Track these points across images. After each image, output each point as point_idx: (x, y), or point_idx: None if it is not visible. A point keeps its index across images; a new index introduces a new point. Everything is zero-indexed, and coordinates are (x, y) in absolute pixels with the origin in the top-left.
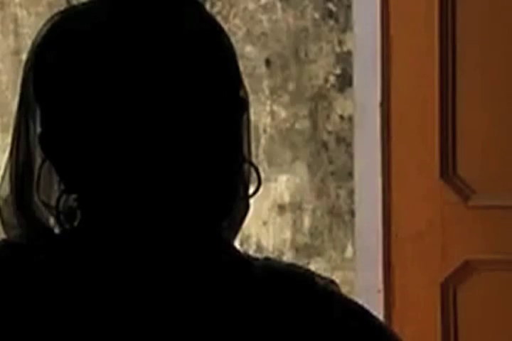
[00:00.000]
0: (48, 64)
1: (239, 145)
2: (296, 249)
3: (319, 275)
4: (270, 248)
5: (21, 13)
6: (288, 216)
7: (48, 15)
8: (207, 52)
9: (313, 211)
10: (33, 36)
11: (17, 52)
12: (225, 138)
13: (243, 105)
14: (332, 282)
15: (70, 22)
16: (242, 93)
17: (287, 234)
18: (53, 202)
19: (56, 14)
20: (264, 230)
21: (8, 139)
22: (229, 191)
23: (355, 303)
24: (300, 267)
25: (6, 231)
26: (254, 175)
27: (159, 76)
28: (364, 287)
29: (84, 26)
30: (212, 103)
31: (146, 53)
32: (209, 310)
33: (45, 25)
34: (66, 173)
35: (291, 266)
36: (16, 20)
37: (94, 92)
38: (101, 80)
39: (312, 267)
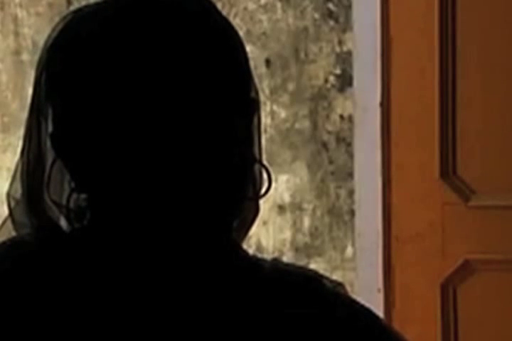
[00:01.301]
0: (60, 64)
1: (249, 146)
2: (296, 249)
3: (327, 278)
4: (270, 248)
5: (21, 13)
6: (288, 216)
7: (48, 16)
8: (218, 53)
9: (313, 211)
10: (33, 36)
11: (17, 52)
12: (235, 139)
13: (254, 106)
14: (340, 284)
15: (81, 22)
16: (253, 94)
17: (287, 234)
18: (64, 201)
19: (68, 14)
20: (264, 230)
21: (8, 139)
22: (239, 191)
23: (363, 306)
24: (308, 269)
25: (16, 229)
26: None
27: (170, 77)
28: (364, 287)
29: (95, 27)
30: (223, 104)
31: (156, 54)
32: (217, 311)
33: (57, 25)
34: (77, 173)
35: (299, 268)
36: (16, 20)
37: (106, 93)
38: (112, 81)
39: (312, 267)
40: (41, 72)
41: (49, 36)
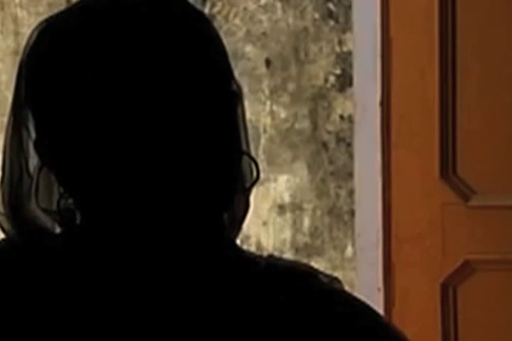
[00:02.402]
0: (38, 69)
1: (235, 138)
2: (296, 249)
3: (323, 273)
4: (270, 248)
5: (21, 13)
6: (288, 216)
7: (48, 16)
8: (196, 47)
9: (313, 211)
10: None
11: (17, 52)
12: (220, 131)
13: (235, 98)
14: (336, 279)
15: (59, 26)
16: (234, 86)
17: (287, 234)
18: (53, 207)
19: (42, 22)
20: (264, 230)
21: None
22: (228, 182)
23: (359, 301)
24: (303, 264)
25: (5, 233)
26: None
27: (150, 74)
28: (364, 286)
29: (72, 31)
30: (203, 97)
31: (135, 53)
32: (211, 307)
33: (33, 32)
34: (64, 177)
35: (294, 263)
36: (16, 20)
37: (86, 95)
38: (92, 82)
39: None
40: (20, 78)
41: (26, 44)
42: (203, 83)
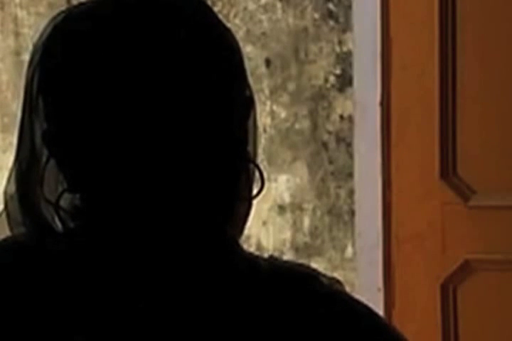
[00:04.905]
0: (52, 62)
1: (244, 145)
2: (296, 249)
3: (324, 275)
4: (270, 248)
5: (21, 13)
6: (288, 216)
7: (48, 16)
8: (212, 52)
9: (313, 211)
10: (33, 36)
11: (17, 52)
12: (230, 138)
13: (249, 104)
14: (337, 281)
15: (75, 20)
16: (247, 92)
17: (287, 234)
18: (55, 200)
19: (63, 12)
20: (264, 230)
21: (9, 139)
22: (231, 191)
23: (361, 303)
24: (306, 266)
25: (11, 228)
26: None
27: (164, 76)
28: (364, 286)
29: (89, 25)
30: (217, 103)
31: (150, 53)
32: (214, 309)
33: (49, 24)
34: (69, 171)
35: (296, 265)
36: (15, 20)
37: (98, 91)
38: (105, 79)
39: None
40: (34, 70)
41: (40, 35)
42: (216, 88)
